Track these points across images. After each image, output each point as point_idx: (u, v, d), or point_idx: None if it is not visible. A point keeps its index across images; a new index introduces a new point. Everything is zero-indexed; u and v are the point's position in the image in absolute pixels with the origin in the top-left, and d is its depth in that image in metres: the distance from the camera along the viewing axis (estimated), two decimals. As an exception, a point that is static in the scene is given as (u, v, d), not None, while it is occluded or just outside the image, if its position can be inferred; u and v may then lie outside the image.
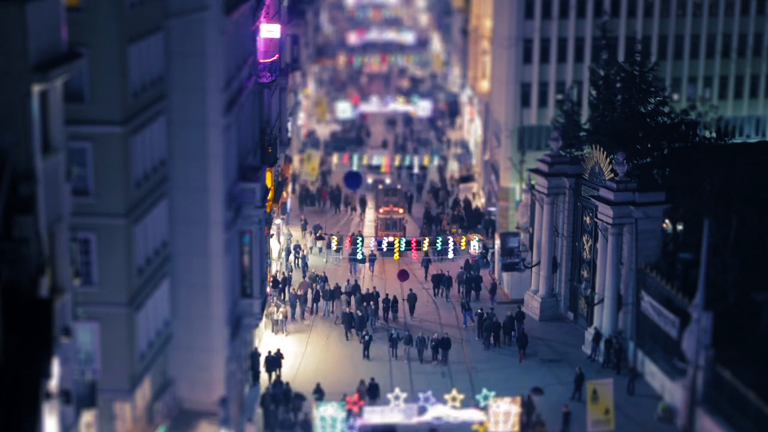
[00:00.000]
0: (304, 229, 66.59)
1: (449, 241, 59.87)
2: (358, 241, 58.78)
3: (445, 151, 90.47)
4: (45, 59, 26.55)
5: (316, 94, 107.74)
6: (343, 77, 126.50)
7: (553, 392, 44.74)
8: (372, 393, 43.34)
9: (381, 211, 62.96)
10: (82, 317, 30.51)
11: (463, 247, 59.49)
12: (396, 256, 55.45)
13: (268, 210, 47.50)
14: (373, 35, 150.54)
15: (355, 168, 78.60)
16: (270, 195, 49.31)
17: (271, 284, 53.61)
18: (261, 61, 51.42)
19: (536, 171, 55.14)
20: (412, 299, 54.12)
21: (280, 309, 52.06)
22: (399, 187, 73.05)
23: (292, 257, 60.72)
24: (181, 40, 38.22)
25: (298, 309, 53.55)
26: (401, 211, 63.34)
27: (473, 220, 69.72)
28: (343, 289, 54.92)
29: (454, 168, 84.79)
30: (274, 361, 46.17)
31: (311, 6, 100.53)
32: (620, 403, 42.48)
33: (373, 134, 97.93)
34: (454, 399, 40.61)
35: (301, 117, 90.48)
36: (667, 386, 44.21)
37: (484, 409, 40.31)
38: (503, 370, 47.66)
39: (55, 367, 25.37)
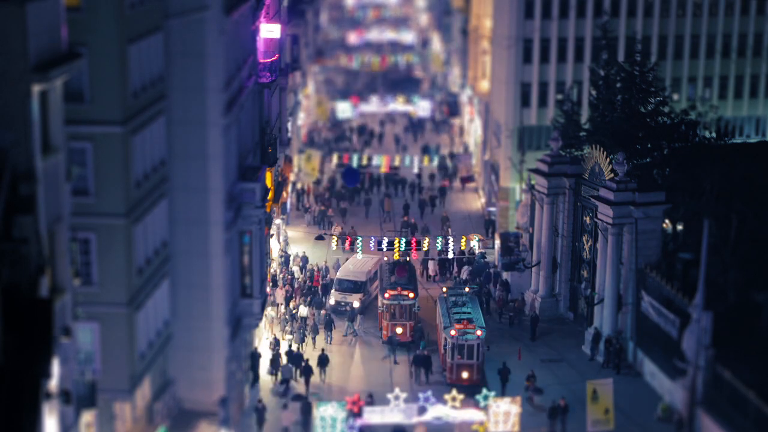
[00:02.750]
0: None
1: (449, 242, 59.61)
2: (357, 241, 58.65)
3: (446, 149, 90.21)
4: (45, 59, 26.54)
5: (316, 94, 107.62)
6: (344, 76, 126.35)
7: (552, 392, 44.73)
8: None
9: (387, 295, 50.20)
10: (82, 317, 30.49)
11: (463, 247, 59.30)
12: (396, 256, 55.13)
13: (268, 210, 47.49)
14: (373, 35, 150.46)
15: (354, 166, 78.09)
16: (270, 195, 49.31)
17: (270, 284, 53.56)
18: (261, 61, 51.41)
19: (536, 171, 55.14)
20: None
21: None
22: (408, 259, 56.38)
23: (293, 265, 60.40)
24: (181, 40, 38.21)
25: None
26: (411, 295, 50.22)
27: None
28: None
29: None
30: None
31: (311, 6, 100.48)
32: (620, 403, 42.50)
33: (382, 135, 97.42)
34: (454, 399, 40.61)
35: (301, 117, 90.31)
36: (667, 386, 44.20)
37: (484, 409, 40.33)
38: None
39: (55, 367, 25.37)
